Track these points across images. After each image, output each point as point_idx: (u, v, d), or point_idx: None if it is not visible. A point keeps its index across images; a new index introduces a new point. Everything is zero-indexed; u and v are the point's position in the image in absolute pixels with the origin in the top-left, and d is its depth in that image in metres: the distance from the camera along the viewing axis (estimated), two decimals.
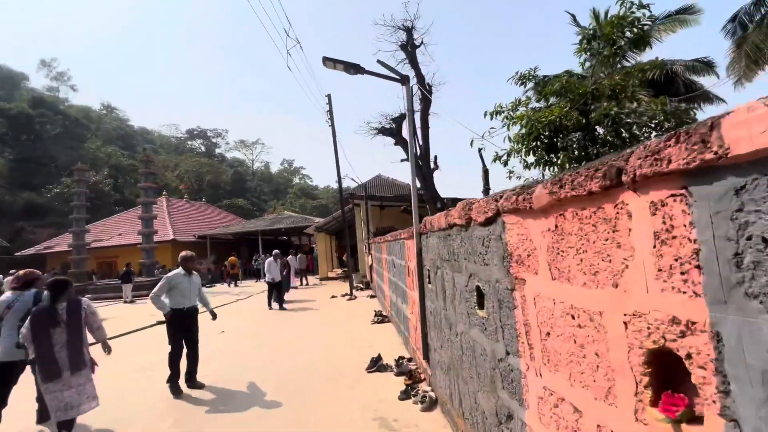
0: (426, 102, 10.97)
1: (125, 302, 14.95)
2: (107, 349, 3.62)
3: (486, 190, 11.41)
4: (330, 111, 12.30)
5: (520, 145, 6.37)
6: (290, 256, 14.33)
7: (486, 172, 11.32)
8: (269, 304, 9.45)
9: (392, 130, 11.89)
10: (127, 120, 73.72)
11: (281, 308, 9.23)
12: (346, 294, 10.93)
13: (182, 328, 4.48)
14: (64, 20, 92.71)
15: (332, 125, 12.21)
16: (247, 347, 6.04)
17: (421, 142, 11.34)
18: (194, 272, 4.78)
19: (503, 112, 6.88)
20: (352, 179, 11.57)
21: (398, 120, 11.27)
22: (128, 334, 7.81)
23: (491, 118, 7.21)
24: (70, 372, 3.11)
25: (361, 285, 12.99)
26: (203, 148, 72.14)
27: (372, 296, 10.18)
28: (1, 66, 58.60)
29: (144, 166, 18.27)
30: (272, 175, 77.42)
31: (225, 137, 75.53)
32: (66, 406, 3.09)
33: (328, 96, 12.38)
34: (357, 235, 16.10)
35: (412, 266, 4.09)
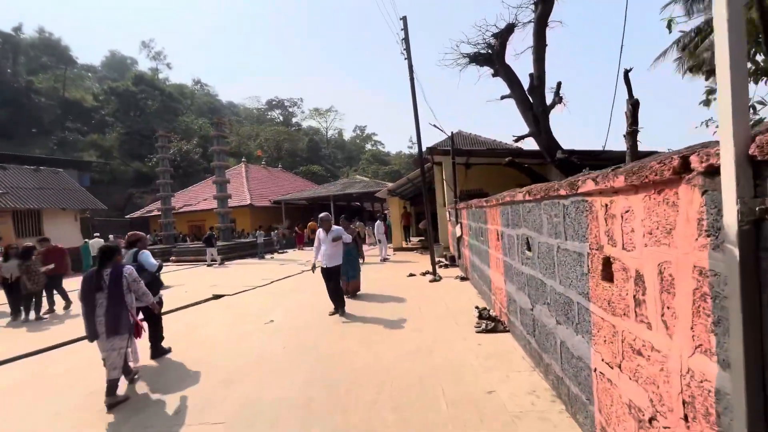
0: (546, 5, 7.51)
1: (208, 265, 14.94)
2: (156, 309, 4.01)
3: (633, 131, 7.78)
4: (405, 38, 9.52)
5: None
6: (378, 222, 12.57)
7: (635, 104, 7.65)
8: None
9: (489, 56, 8.70)
10: (216, 95, 79.68)
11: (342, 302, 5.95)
12: (427, 272, 8.63)
13: None
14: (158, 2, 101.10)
15: (408, 56, 9.46)
16: (284, 363, 4.09)
17: (535, 69, 8.03)
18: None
19: None
20: (434, 126, 8.84)
21: (501, 35, 8.03)
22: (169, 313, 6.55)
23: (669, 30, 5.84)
24: (106, 335, 3.27)
25: (443, 260, 10.56)
26: (281, 118, 74.92)
27: (463, 278, 7.69)
28: (114, 52, 66.01)
29: (215, 129, 17.74)
30: (345, 142, 77.64)
31: (300, 106, 77.26)
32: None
33: (404, 19, 9.57)
34: (437, 200, 13.53)
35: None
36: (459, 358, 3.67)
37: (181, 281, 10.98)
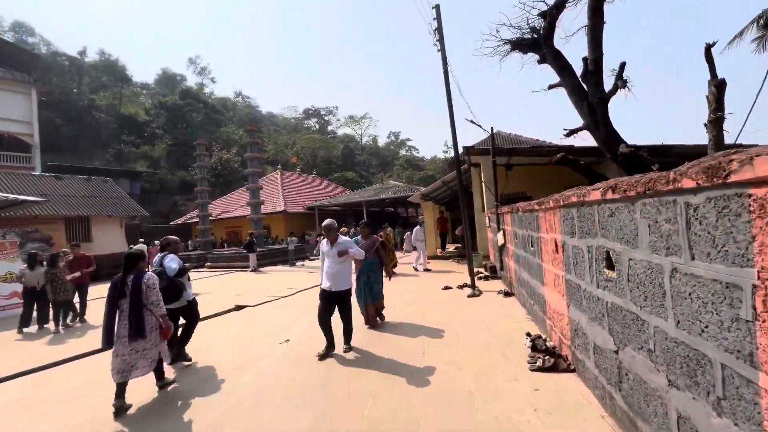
0: None
1: (252, 271, 15.11)
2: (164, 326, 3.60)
3: (718, 119, 6.38)
4: (438, 28, 8.71)
5: None
6: (417, 227, 11.70)
7: (720, 85, 6.28)
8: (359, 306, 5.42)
9: (535, 41, 7.67)
10: (257, 106, 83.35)
11: (370, 326, 5.26)
12: (465, 285, 7.68)
13: None
14: (202, 18, 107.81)
15: (441, 47, 8.63)
16: (287, 404, 3.37)
17: (590, 52, 6.91)
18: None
19: None
20: (471, 121, 7.91)
21: (550, 13, 6.97)
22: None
23: None
24: (128, 339, 3.34)
25: (482, 271, 9.52)
26: (317, 126, 76.69)
27: (507, 293, 6.65)
28: (165, 70, 70.90)
29: (249, 136, 17.87)
30: (379, 148, 77.80)
31: (336, 114, 78.78)
32: (117, 370, 3.31)
33: (436, 7, 8.77)
34: (475, 205, 12.49)
35: None
36: (510, 414, 2.75)
37: (210, 289, 10.79)
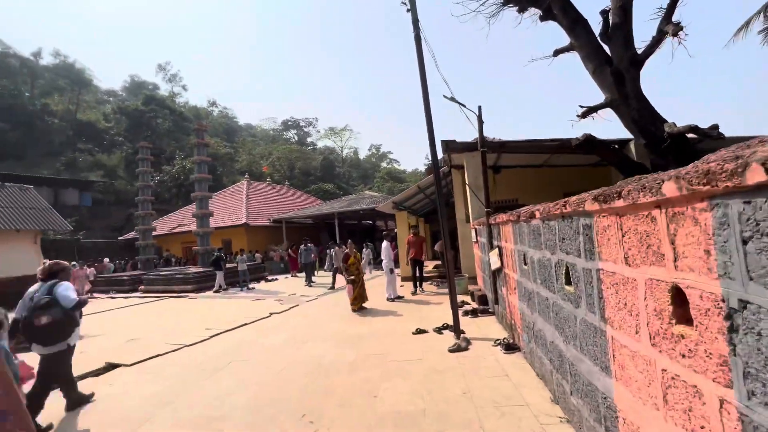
0: None
1: (214, 291, 13.20)
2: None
3: None
4: None
5: None
6: (385, 243, 9.04)
7: None
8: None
9: None
10: (234, 117, 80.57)
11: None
12: (446, 327, 5.37)
13: None
14: (172, 24, 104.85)
15: (412, 6, 6.53)
16: None
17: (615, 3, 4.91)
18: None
19: None
20: (450, 99, 5.72)
21: None
22: None
23: None
24: None
25: (469, 302, 7.26)
26: (296, 138, 74.47)
27: (508, 346, 4.31)
28: (134, 76, 67.43)
29: (196, 137, 15.31)
30: (360, 160, 76.02)
31: (315, 125, 76.84)
32: None
33: None
34: (457, 215, 10.34)
35: None
36: None
37: (104, 328, 8.05)
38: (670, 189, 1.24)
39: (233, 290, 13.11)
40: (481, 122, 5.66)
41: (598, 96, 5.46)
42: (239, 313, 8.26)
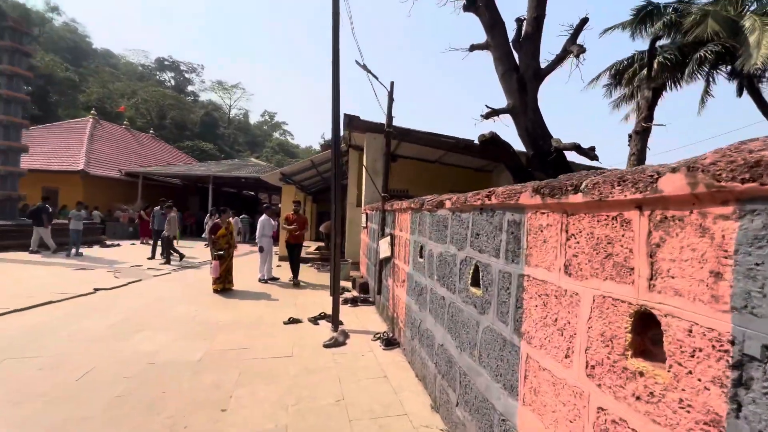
0: None
1: (32, 251, 9.88)
2: None
3: (645, 130, 5.27)
4: None
5: None
6: (263, 217, 7.80)
7: (658, 90, 5.21)
8: None
9: None
10: (86, 36, 62.53)
11: None
12: (323, 316, 4.85)
13: None
14: None
15: None
16: None
17: (531, 8, 5.03)
18: None
19: None
20: (362, 66, 5.13)
21: None
22: None
23: None
24: None
25: (350, 289, 6.91)
26: (173, 83, 62.91)
27: (388, 342, 4.02)
28: None
29: (10, 38, 10.93)
30: (250, 125, 69.03)
31: (201, 74, 66.18)
32: None
33: None
34: (348, 198, 9.93)
35: None
36: None
37: None
38: (673, 184, 0.90)
39: (60, 254, 9.85)
40: (391, 100, 5.24)
41: (499, 101, 5.62)
42: (49, 286, 6.09)
